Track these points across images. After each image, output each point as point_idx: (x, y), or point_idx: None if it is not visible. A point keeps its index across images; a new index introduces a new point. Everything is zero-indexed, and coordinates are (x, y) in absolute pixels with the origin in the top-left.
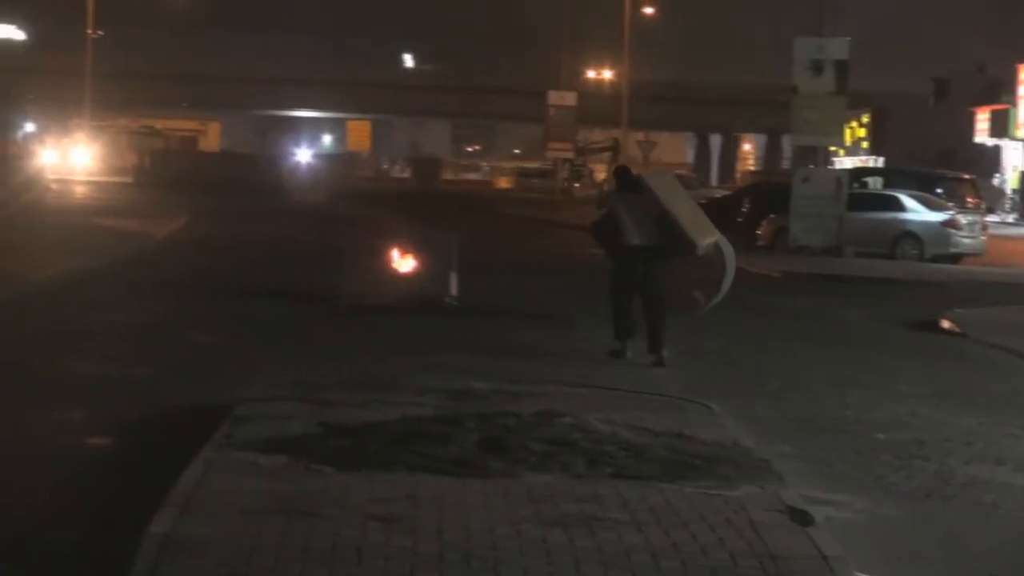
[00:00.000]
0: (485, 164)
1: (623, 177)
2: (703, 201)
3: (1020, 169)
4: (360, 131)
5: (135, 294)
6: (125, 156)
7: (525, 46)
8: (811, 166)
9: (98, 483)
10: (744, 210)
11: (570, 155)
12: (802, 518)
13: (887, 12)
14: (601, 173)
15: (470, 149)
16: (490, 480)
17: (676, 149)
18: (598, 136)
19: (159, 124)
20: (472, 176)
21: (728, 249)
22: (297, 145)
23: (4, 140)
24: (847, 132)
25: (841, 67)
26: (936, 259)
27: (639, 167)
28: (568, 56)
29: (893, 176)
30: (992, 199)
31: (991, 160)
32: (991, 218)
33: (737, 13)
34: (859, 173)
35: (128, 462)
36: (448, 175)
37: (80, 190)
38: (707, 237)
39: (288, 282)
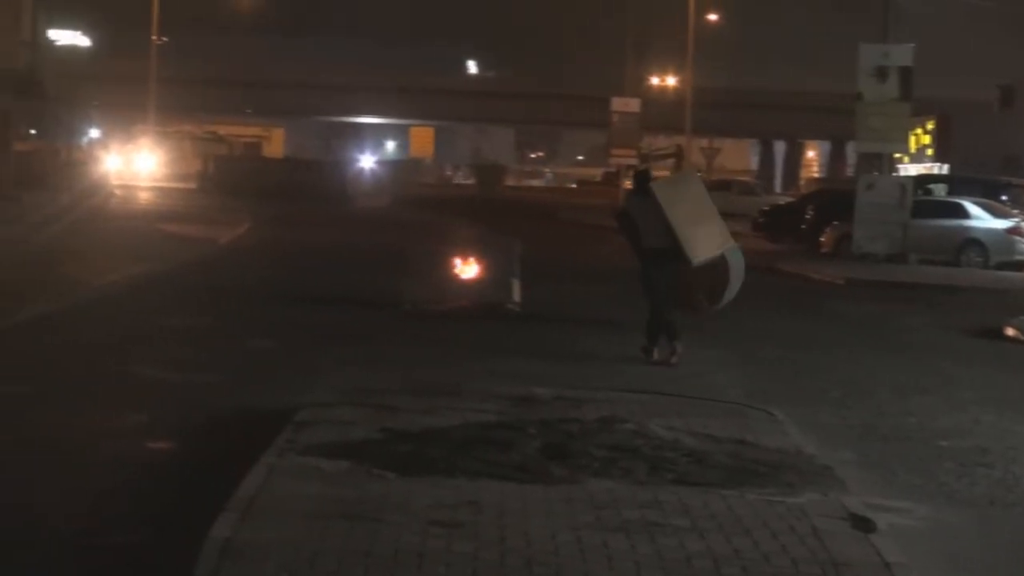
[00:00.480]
0: (548, 171)
1: (639, 181)
2: (766, 208)
3: None
4: (423, 137)
5: (197, 299)
6: (189, 162)
7: (588, 52)
8: (875, 173)
9: (159, 488)
10: (808, 217)
11: (634, 161)
12: (865, 525)
13: (952, 18)
14: None
15: (533, 155)
16: (552, 486)
17: (740, 156)
18: (662, 142)
19: (223, 130)
20: (535, 182)
21: (736, 261)
22: (360, 151)
23: (69, 146)
24: (911, 139)
25: (905, 73)
26: (1001, 266)
27: (703, 174)
28: (632, 62)
29: (957, 183)
30: None
31: None
32: None
33: (801, 19)
34: (923, 180)
35: (189, 467)
36: (511, 182)
37: (144, 196)
38: (711, 249)
39: (351, 288)
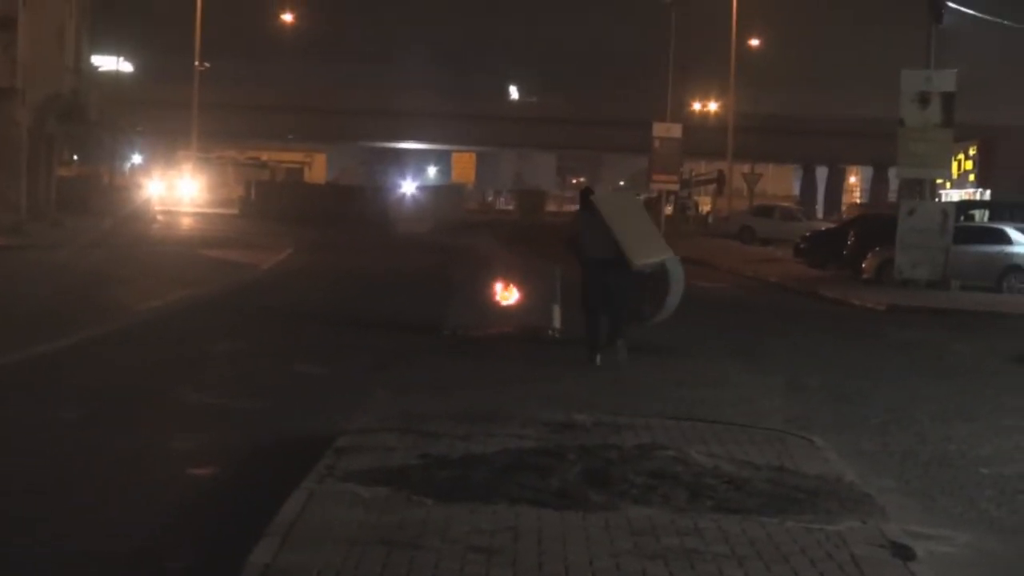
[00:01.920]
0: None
1: (584, 197)
2: (807, 233)
3: None
4: (465, 163)
5: (240, 324)
6: (231, 187)
7: (630, 78)
8: (917, 199)
9: (200, 512)
10: (849, 242)
11: (675, 187)
12: (904, 553)
13: (994, 43)
14: (707, 205)
15: (575, 181)
16: (591, 513)
17: (782, 181)
18: (704, 168)
19: (265, 155)
20: (577, 208)
21: (676, 271)
22: (402, 177)
23: (112, 171)
24: (954, 164)
25: (948, 99)
26: None
27: (743, 199)
28: (674, 88)
29: (1000, 209)
30: None
31: None
32: None
33: (843, 44)
34: (965, 206)
35: (230, 492)
36: (552, 207)
37: (186, 221)
38: (651, 256)
39: (392, 313)
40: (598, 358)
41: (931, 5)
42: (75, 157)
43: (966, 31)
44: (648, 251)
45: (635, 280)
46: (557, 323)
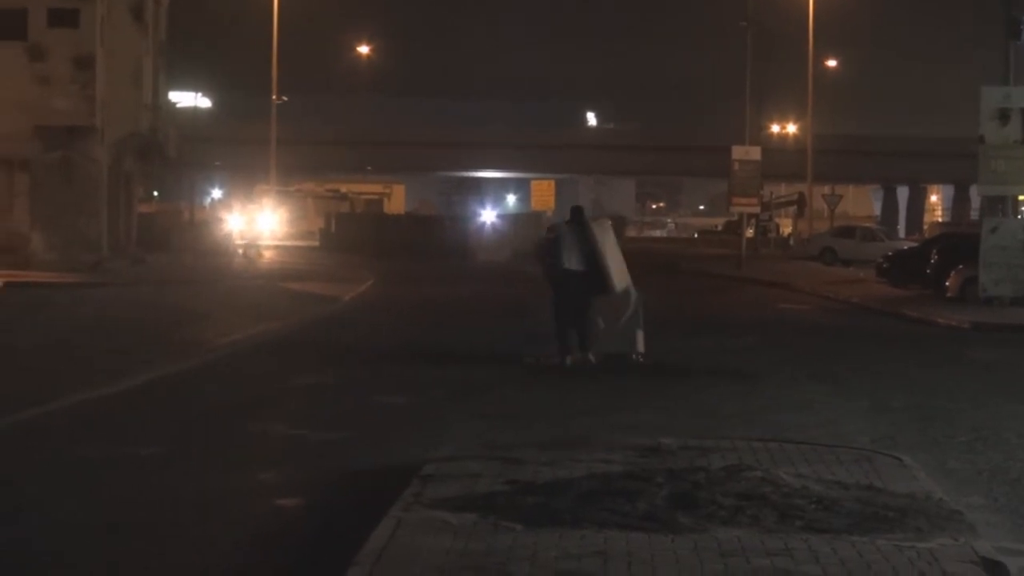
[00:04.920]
0: (670, 220)
1: (575, 214)
2: (890, 253)
3: None
4: (544, 191)
5: (323, 356)
6: (311, 220)
7: (707, 102)
8: (1000, 216)
9: (289, 541)
10: (932, 261)
11: (756, 210)
12: (997, 570)
13: None
14: (787, 227)
15: (654, 206)
16: (679, 535)
17: (862, 201)
18: (783, 190)
19: (344, 187)
20: (657, 233)
21: (635, 294)
22: (481, 205)
23: (191, 207)
24: None
25: None
26: None
27: (824, 220)
28: (752, 111)
29: None
30: None
31: None
32: None
33: (922, 64)
34: None
35: (318, 521)
36: (632, 232)
37: (267, 254)
38: (623, 282)
39: (474, 341)
40: (568, 360)
41: (1008, 22)
42: (155, 193)
43: None
44: (622, 277)
45: (600, 297)
46: (641, 348)
